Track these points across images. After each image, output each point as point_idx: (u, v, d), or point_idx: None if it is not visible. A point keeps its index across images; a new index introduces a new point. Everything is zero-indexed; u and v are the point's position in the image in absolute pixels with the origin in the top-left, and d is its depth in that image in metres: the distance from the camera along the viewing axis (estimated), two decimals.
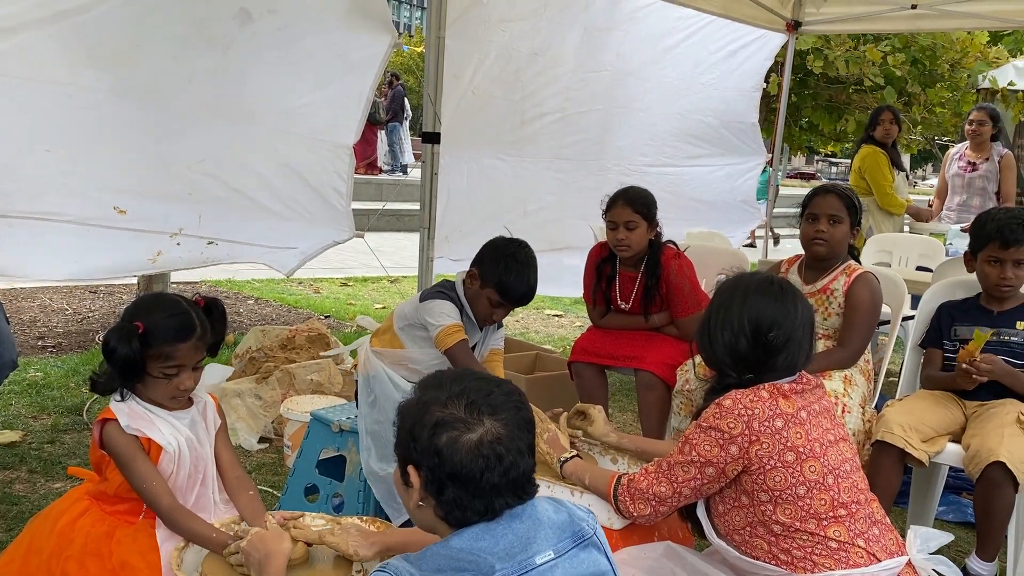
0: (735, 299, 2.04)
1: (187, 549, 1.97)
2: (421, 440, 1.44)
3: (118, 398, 2.03)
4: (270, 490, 3.27)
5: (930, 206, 6.48)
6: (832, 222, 3.11)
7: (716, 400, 1.98)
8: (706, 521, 2.06)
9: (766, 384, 1.97)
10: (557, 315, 7.09)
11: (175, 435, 2.04)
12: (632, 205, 3.42)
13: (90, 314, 5.80)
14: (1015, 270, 2.92)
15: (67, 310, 5.85)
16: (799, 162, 38.05)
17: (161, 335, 1.98)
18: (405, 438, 1.48)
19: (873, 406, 3.11)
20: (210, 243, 3.97)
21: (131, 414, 2.01)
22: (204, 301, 2.11)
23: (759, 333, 1.98)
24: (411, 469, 1.46)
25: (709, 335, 2.05)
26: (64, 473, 3.26)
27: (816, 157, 35.50)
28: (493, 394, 1.47)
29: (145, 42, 3.51)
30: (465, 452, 1.41)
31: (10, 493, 3.07)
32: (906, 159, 7.00)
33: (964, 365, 2.86)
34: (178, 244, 3.85)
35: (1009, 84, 9.94)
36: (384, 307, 6.87)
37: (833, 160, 33.18)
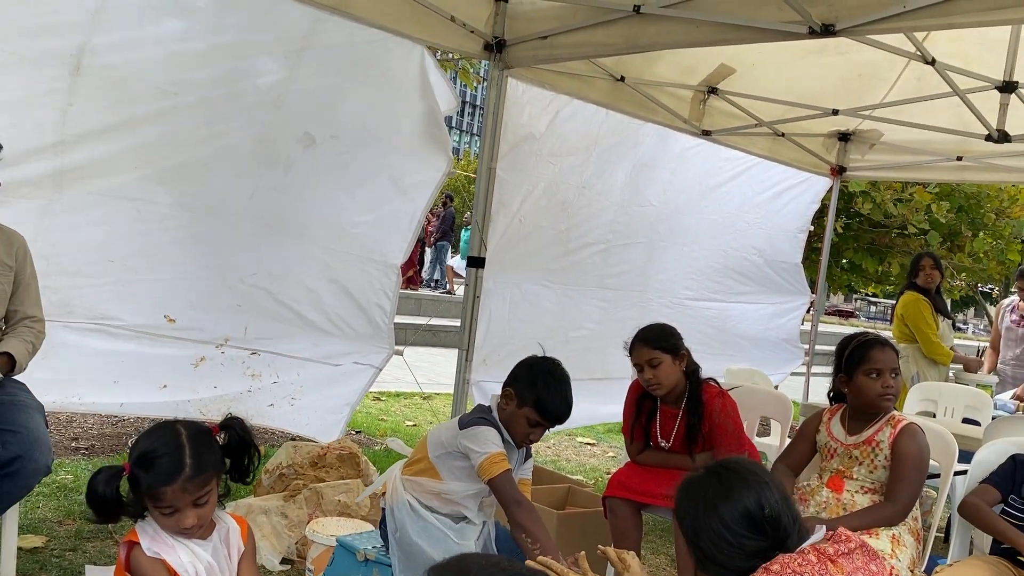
0: (707, 519, 1.90)
1: None
2: None
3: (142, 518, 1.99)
4: None
5: (980, 355, 6.35)
6: (893, 375, 3.05)
7: (764, 566, 1.88)
8: None
9: (808, 547, 1.88)
10: (590, 443, 6.96)
11: (194, 563, 1.98)
12: (649, 344, 3.40)
13: (125, 417, 5.81)
14: None
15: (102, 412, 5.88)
16: (837, 299, 37.87)
17: (146, 478, 1.91)
18: None
19: (923, 569, 2.96)
20: (253, 353, 4.01)
21: (154, 537, 1.96)
22: (218, 428, 2.05)
23: (756, 520, 1.86)
24: None
25: (715, 560, 1.90)
26: None
27: (855, 295, 35.33)
28: None
29: (212, 160, 3.67)
30: None
31: None
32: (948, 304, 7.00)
33: None
34: (222, 353, 3.90)
35: None
36: (415, 424, 6.80)
37: (872, 300, 32.98)
